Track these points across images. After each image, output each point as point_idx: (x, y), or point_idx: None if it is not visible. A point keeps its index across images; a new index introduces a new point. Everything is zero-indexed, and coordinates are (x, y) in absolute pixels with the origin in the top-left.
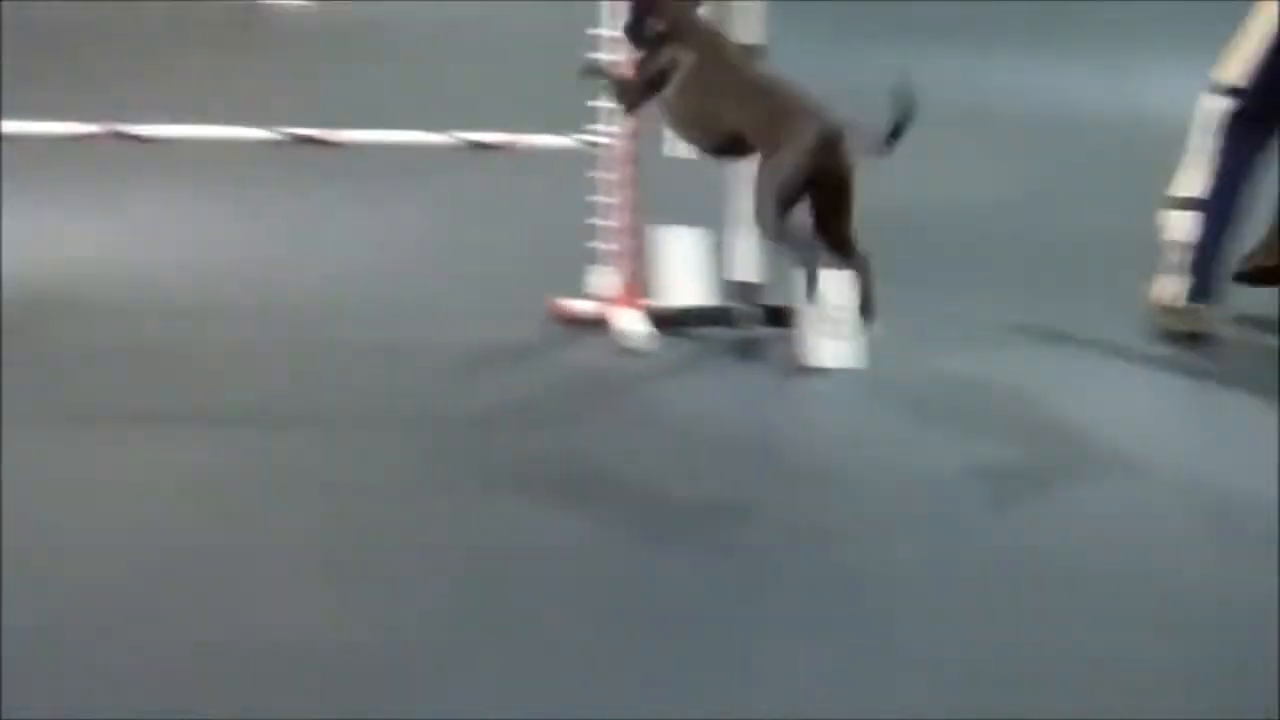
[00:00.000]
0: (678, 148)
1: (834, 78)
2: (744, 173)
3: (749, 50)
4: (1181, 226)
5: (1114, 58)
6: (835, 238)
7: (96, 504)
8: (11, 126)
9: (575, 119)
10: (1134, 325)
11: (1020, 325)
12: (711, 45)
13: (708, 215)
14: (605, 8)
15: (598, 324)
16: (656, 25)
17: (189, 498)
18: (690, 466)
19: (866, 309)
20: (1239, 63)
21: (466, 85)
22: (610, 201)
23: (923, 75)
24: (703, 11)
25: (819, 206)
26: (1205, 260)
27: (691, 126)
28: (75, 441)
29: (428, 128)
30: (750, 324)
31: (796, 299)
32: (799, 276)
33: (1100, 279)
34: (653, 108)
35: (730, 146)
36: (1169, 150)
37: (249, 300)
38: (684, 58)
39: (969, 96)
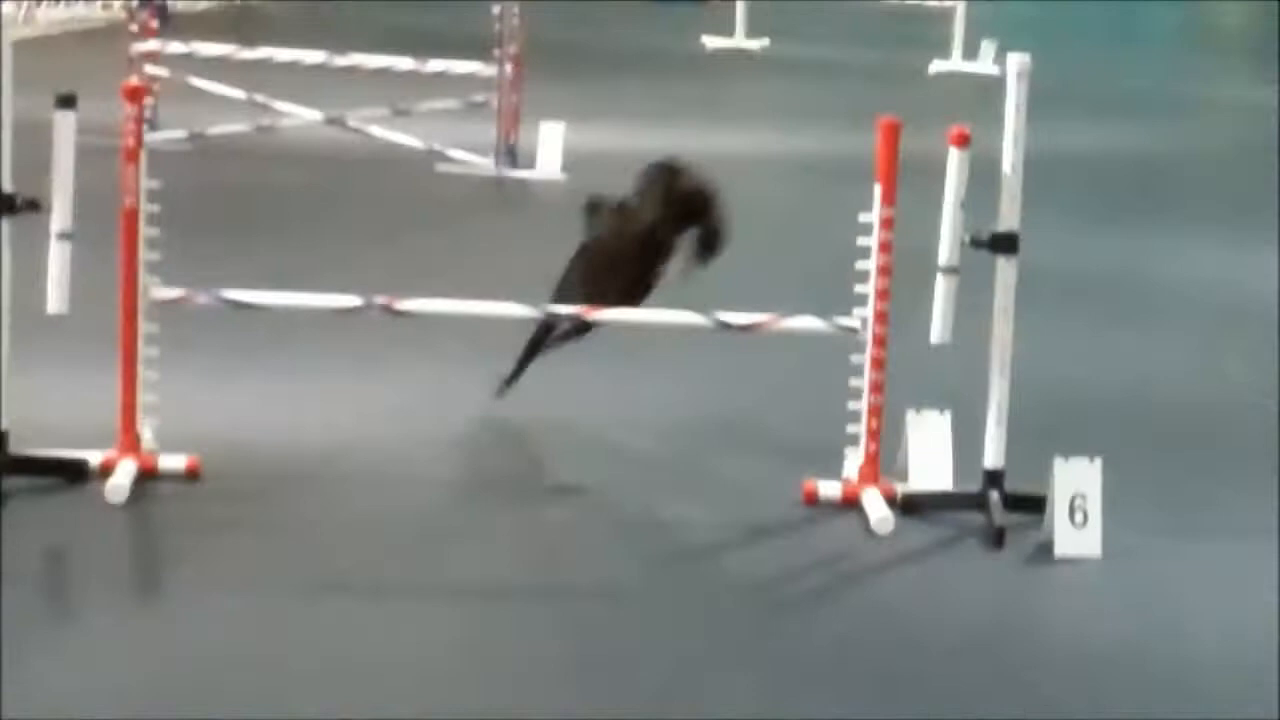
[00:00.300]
0: (942, 334)
1: (1076, 261)
2: (995, 360)
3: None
4: None
5: None
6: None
7: (353, 678)
8: (274, 298)
9: (843, 300)
10: None
11: (1270, 521)
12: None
13: (959, 400)
14: (877, 190)
15: (847, 505)
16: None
17: (442, 672)
18: (927, 654)
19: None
20: None
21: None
22: (862, 384)
23: (1171, 265)
24: None
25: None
26: None
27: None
28: (327, 612)
29: (684, 306)
30: (996, 510)
31: (1044, 487)
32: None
33: None
34: None
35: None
36: None
37: (502, 472)
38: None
39: (1218, 288)
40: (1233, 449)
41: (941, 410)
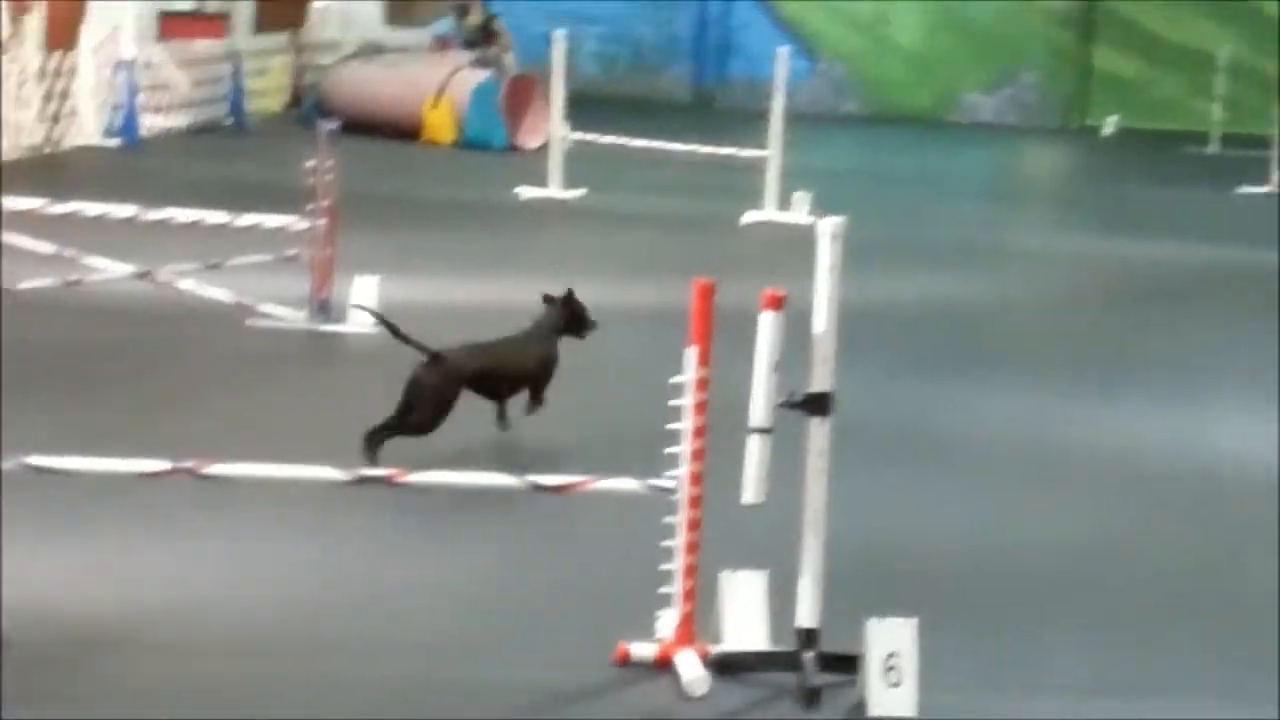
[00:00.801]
0: (754, 494)
1: (890, 414)
2: (808, 519)
3: None
4: None
5: (1185, 402)
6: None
7: None
8: (79, 463)
9: (658, 457)
10: (1212, 680)
11: (1090, 677)
12: None
13: (773, 559)
14: (691, 352)
15: (661, 666)
16: None
17: None
18: None
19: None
20: None
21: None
22: (676, 544)
23: (983, 417)
24: None
25: None
26: None
27: None
28: None
29: (496, 468)
30: (810, 670)
31: (859, 646)
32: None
33: (1168, 629)
34: None
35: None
36: (1244, 498)
37: (310, 637)
38: None
39: (1031, 440)
40: (1047, 606)
41: (756, 569)
